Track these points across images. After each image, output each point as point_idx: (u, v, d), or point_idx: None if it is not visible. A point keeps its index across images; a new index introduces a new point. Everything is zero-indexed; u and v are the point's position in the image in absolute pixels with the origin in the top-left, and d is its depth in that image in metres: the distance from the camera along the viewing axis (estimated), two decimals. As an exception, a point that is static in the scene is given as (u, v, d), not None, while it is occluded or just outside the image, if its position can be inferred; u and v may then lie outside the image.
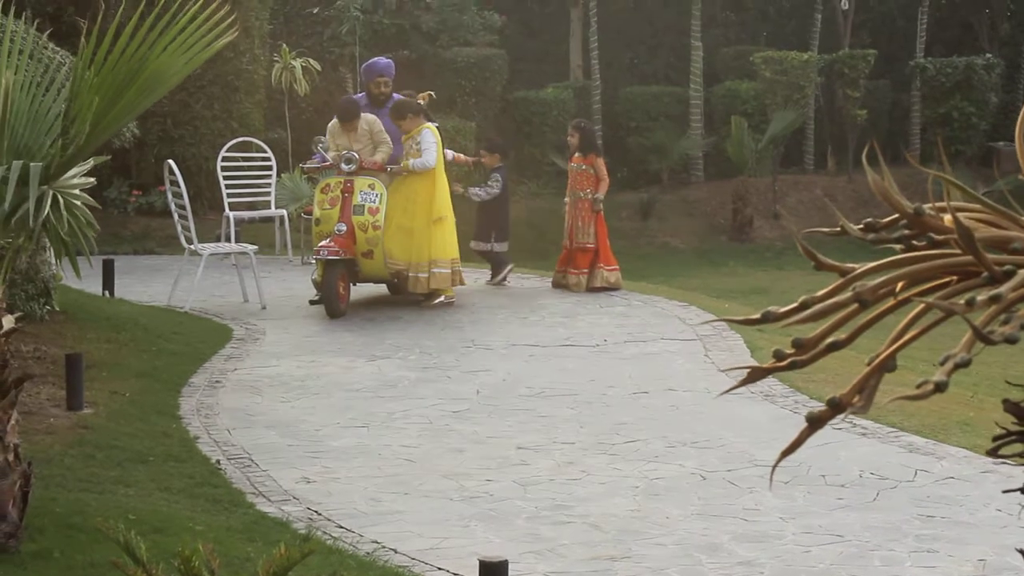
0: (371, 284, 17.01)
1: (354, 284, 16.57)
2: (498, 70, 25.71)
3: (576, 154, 18.48)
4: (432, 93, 18.53)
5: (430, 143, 16.81)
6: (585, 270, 18.02)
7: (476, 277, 18.90)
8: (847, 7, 27.99)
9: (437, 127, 17.40)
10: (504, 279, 18.52)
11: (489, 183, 18.24)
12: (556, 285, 18.53)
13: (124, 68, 8.17)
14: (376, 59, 18.64)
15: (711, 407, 12.00)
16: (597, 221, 18.17)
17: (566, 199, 18.66)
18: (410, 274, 16.63)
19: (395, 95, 17.42)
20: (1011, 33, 28.34)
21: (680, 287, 18.10)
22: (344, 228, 16.25)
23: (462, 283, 17.80)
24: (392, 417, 12.11)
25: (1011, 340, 3.41)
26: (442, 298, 17.25)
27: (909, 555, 8.94)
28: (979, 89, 27.74)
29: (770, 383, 11.96)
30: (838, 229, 4.02)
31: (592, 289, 17.92)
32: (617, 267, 18.25)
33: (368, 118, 16.76)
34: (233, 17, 8.52)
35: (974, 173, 24.44)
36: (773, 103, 26.51)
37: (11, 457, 8.21)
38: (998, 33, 27.97)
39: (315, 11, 25.39)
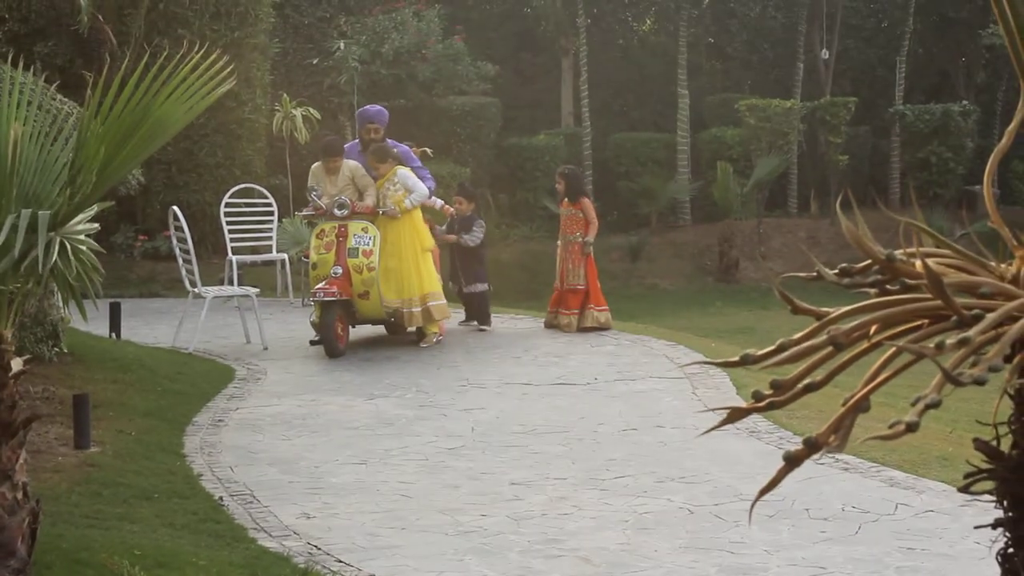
0: (369, 325, 17.00)
1: (352, 326, 16.58)
2: (492, 118, 25.77)
3: (564, 200, 18.52)
4: (428, 150, 18.56)
5: (413, 178, 16.92)
6: (576, 311, 18.02)
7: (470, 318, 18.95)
8: (827, 56, 28.08)
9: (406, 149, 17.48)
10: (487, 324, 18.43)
11: (475, 229, 18.17)
12: (548, 325, 18.50)
13: (128, 117, 8.20)
14: (367, 107, 18.65)
15: (698, 443, 11.99)
16: (587, 263, 18.16)
17: (558, 242, 18.64)
18: (404, 310, 16.66)
19: (392, 142, 17.43)
20: (987, 81, 28.43)
21: (668, 327, 18.13)
22: (340, 271, 16.29)
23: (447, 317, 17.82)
24: (390, 454, 12.11)
25: (979, 382, 3.43)
26: (436, 338, 17.35)
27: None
28: (956, 135, 27.83)
29: (755, 420, 11.99)
30: (816, 274, 4.05)
31: (583, 329, 17.90)
32: (607, 307, 18.22)
33: (351, 164, 16.77)
34: (232, 67, 8.57)
35: (951, 216, 24.50)
36: (757, 149, 26.61)
37: (20, 495, 8.21)
38: (974, 81, 28.05)
39: (315, 62, 25.47)
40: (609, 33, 27.09)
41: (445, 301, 17.15)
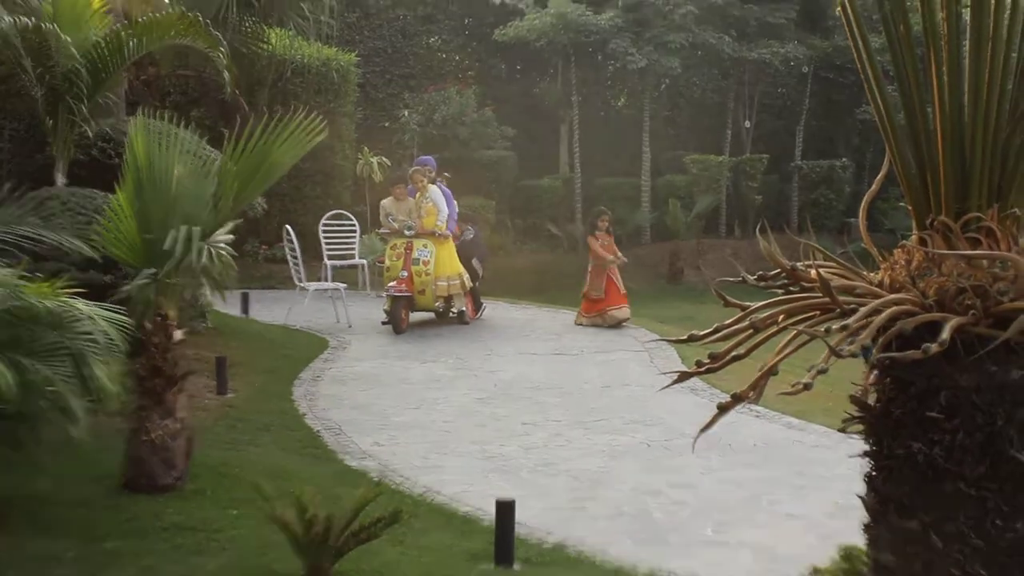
0: (424, 313, 16.98)
1: (412, 312, 16.58)
2: (510, 166, 25.71)
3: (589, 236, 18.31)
4: (447, 174, 18.46)
5: (440, 199, 16.86)
6: (595, 313, 17.65)
7: (494, 305, 18.93)
8: (748, 125, 27.99)
9: (442, 187, 17.45)
10: (472, 310, 18.02)
11: (465, 234, 17.74)
12: (578, 323, 17.86)
13: (253, 161, 8.24)
14: (422, 156, 18.76)
15: (654, 397, 12.04)
16: (607, 279, 17.78)
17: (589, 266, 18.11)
18: (442, 283, 16.69)
19: (441, 185, 17.44)
20: (859, 144, 28.33)
21: (633, 315, 18.06)
22: (406, 274, 16.29)
23: (475, 306, 17.86)
24: (436, 402, 12.13)
25: (856, 355, 3.46)
26: (463, 310, 17.36)
27: (787, 498, 8.97)
28: (838, 183, 27.73)
29: (695, 381, 11.97)
30: (740, 279, 4.08)
31: (608, 326, 17.44)
32: (624, 304, 17.80)
33: (431, 193, 16.78)
34: (326, 127, 8.60)
35: (834, 240, 24.36)
36: (698, 190, 26.56)
37: (179, 426, 8.25)
38: (851, 144, 27.95)
39: (386, 124, 25.45)
40: (594, 107, 27.02)
41: (463, 282, 17.06)
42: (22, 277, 7.23)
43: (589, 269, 17.94)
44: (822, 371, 3.44)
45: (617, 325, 17.38)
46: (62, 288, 7.30)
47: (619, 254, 18.15)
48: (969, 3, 3.59)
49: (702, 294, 22.91)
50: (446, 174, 18.33)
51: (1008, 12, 3.60)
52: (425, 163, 17.54)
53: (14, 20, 12.26)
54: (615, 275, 17.77)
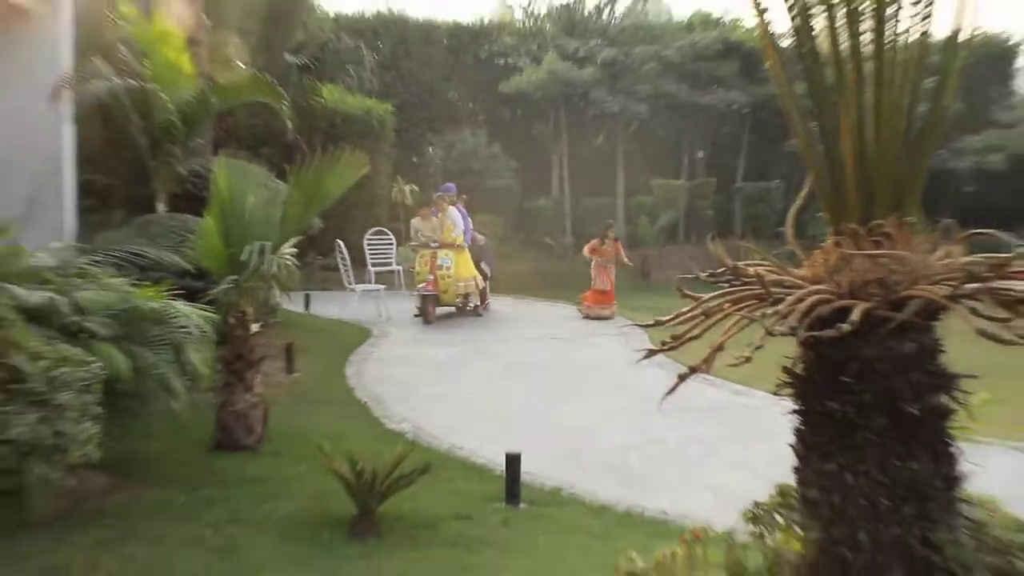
0: (447, 307, 17.00)
1: (437, 307, 16.61)
2: (514, 191, 25.67)
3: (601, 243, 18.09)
4: (465, 196, 18.44)
5: (457, 218, 16.87)
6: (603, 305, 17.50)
7: (502, 300, 18.96)
8: (701, 155, 27.97)
9: (461, 208, 17.46)
10: (487, 306, 17.93)
11: (478, 238, 17.67)
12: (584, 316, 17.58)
13: (310, 190, 8.26)
14: (445, 184, 18.76)
15: (629, 370, 12.05)
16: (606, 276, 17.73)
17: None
18: (463, 285, 16.67)
19: (461, 208, 17.48)
20: (787, 170, 28.16)
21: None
22: (432, 277, 16.33)
23: (487, 301, 17.78)
24: (459, 378, 12.16)
25: (787, 334, 3.48)
26: (478, 305, 17.39)
27: (735, 449, 9.01)
28: (771, 200, 27.43)
29: (660, 358, 11.97)
30: (695, 276, 4.10)
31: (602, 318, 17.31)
32: (596, 300, 17.65)
33: (452, 215, 16.84)
34: (366, 160, 8.62)
35: (769, 246, 24.34)
36: (661, 207, 26.55)
37: (257, 399, 8.30)
38: (781, 170, 27.79)
39: (415, 160, 25.47)
40: (578, 143, 26.97)
41: (477, 283, 17.06)
42: (132, 284, 7.29)
43: (592, 267, 17.91)
44: (759, 347, 3.47)
45: (609, 316, 17.33)
46: (164, 292, 7.36)
47: (624, 258, 18.08)
48: (873, 56, 3.62)
49: (665, 289, 22.92)
50: (464, 196, 18.34)
51: (900, 65, 3.63)
52: (448, 190, 17.60)
53: (125, 83, 12.42)
54: (609, 275, 17.76)
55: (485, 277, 17.70)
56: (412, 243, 17.43)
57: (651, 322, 4.08)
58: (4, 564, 5.66)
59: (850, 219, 3.71)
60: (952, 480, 3.64)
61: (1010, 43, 30.24)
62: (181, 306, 7.27)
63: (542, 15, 28.09)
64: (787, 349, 3.79)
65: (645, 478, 8.19)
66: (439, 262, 16.49)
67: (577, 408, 10.65)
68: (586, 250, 18.20)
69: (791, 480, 3.97)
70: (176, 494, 6.96)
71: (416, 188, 22.98)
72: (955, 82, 3.70)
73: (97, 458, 4.25)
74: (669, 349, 3.91)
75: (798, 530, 4.02)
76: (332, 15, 23.18)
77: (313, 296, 17.77)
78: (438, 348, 14.25)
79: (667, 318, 3.93)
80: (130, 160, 15.18)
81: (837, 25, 3.63)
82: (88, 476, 6.84)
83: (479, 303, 17.43)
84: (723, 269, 3.92)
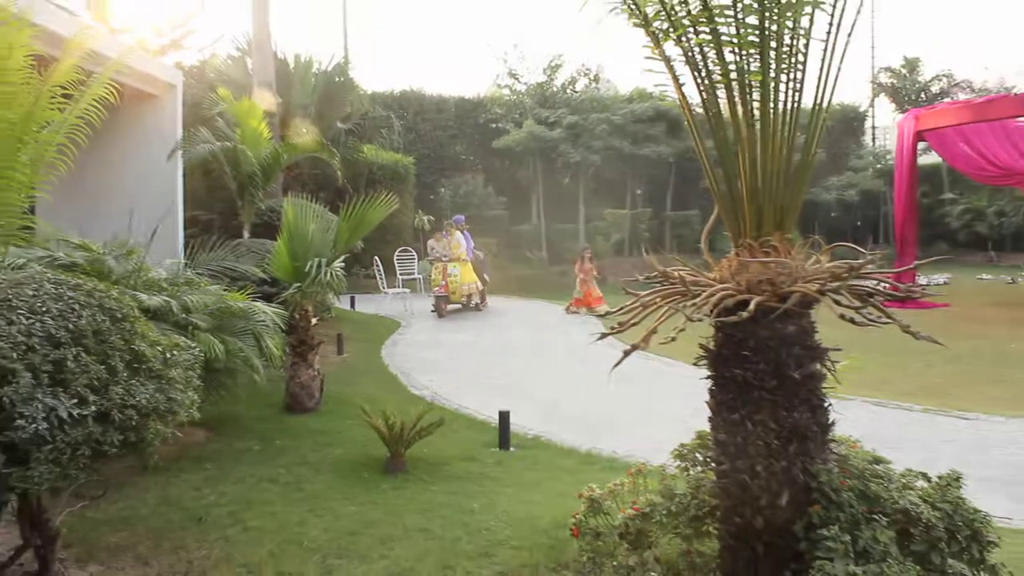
0: (455, 305, 16.94)
1: (448, 304, 16.55)
2: (504, 220, 25.65)
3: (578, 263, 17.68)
4: (467, 226, 18.30)
5: (461, 239, 16.78)
6: (584, 307, 17.04)
7: (497, 299, 18.89)
8: (639, 192, 27.90)
9: (465, 232, 17.37)
10: (485, 303, 17.54)
11: (477, 252, 17.62)
12: (569, 312, 16.86)
13: (355, 220, 8.22)
14: (455, 216, 18.72)
15: (588, 349, 11.95)
16: (587, 289, 17.02)
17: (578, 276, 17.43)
18: (467, 291, 16.63)
19: (467, 234, 17.48)
20: (703, 203, 28.02)
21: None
22: (444, 283, 16.28)
23: (485, 300, 17.57)
24: (464, 356, 12.09)
25: (701, 320, 3.47)
26: (479, 303, 17.21)
27: (667, 406, 8.97)
28: (691, 225, 26.66)
29: (611, 339, 11.97)
30: (635, 279, 4.09)
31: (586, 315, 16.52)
32: (592, 303, 16.76)
33: (458, 236, 16.80)
34: (396, 198, 8.61)
35: (689, 258, 24.38)
36: (613, 230, 26.51)
37: (316, 373, 8.25)
38: (699, 202, 27.72)
39: (432, 197, 25.39)
40: (551, 183, 26.91)
41: (477, 286, 16.99)
42: (225, 289, 7.25)
43: (579, 280, 17.39)
44: (682, 330, 3.47)
45: (591, 313, 16.94)
46: (247, 296, 7.32)
47: (594, 274, 17.36)
48: (761, 119, 3.62)
49: (617, 290, 22.91)
50: (467, 226, 18.31)
51: (780, 126, 3.64)
52: (458, 220, 17.62)
53: (221, 145, 12.63)
54: (593, 286, 17.33)
55: (484, 283, 17.67)
56: (429, 257, 17.37)
57: (601, 314, 4.08)
58: (133, 496, 5.62)
59: (746, 236, 3.71)
60: (825, 426, 3.64)
61: (860, 110, 31.37)
62: (260, 306, 7.24)
63: (523, 92, 28.01)
64: (703, 332, 3.78)
65: (601, 428, 8.16)
66: (449, 271, 16.42)
67: (551, 377, 10.60)
68: (576, 268, 17.79)
69: (706, 427, 3.97)
70: (257, 444, 6.92)
71: (432, 218, 22.90)
72: (819, 137, 3.71)
73: (198, 418, 4.22)
74: (617, 332, 3.90)
75: (712, 464, 4.02)
76: (369, 92, 23.06)
77: (357, 298, 17.70)
78: (449, 335, 14.15)
79: (615, 309, 3.92)
80: (224, 200, 15.21)
81: (734, 96, 3.63)
82: (191, 431, 6.81)
83: (480, 302, 17.38)
84: (655, 274, 3.92)
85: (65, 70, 5.86)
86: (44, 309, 3.71)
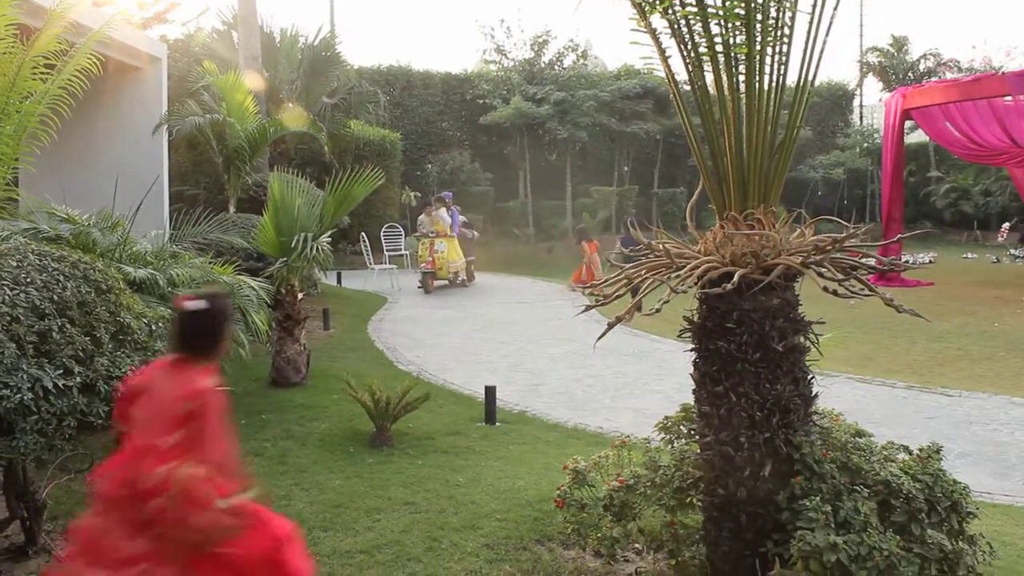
0: (442, 281, 16.93)
1: (434, 280, 16.54)
2: (491, 196, 25.53)
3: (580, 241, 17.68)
4: (455, 203, 18.25)
5: (444, 215, 16.63)
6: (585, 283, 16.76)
7: (483, 275, 18.89)
8: (627, 169, 27.83)
9: (452, 209, 17.25)
10: (471, 279, 17.54)
11: (464, 230, 17.35)
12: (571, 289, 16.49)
13: (341, 195, 8.17)
14: (442, 192, 18.68)
15: (574, 323, 12.03)
16: (587, 267, 16.94)
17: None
18: (453, 268, 16.63)
19: (455, 209, 17.43)
20: (689, 178, 28.03)
21: (562, 279, 18.08)
22: (431, 258, 16.27)
23: (472, 277, 17.59)
24: (451, 332, 12.08)
25: (684, 292, 3.49)
26: (465, 279, 17.20)
27: (652, 380, 9.03)
28: (677, 201, 26.64)
29: (594, 313, 12.02)
30: (621, 252, 4.10)
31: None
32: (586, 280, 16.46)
33: (441, 213, 16.74)
34: (383, 173, 8.56)
35: (677, 233, 24.42)
36: (600, 207, 26.45)
37: (302, 348, 8.24)
38: (685, 178, 27.68)
39: (418, 173, 25.24)
40: (538, 159, 26.82)
41: (464, 263, 16.96)
42: (210, 264, 7.23)
43: (584, 262, 17.19)
44: (667, 301, 3.48)
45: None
46: (233, 269, 7.30)
47: (593, 253, 17.16)
48: (746, 95, 3.62)
49: (604, 264, 23.00)
50: (453, 202, 18.27)
51: (765, 102, 3.64)
52: (445, 196, 17.55)
53: (207, 118, 12.58)
54: (595, 264, 17.19)
55: (470, 261, 17.65)
56: (416, 234, 17.32)
57: (588, 286, 4.08)
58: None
59: (731, 210, 3.73)
60: (808, 398, 3.68)
61: (848, 89, 31.31)
62: (246, 279, 7.22)
63: (510, 68, 27.84)
64: (687, 305, 3.79)
65: (586, 403, 8.20)
66: (436, 248, 16.38)
67: (537, 352, 10.62)
68: (587, 249, 17.35)
69: (691, 400, 3.99)
70: (242, 417, 6.91)
71: (418, 194, 22.79)
72: (805, 108, 3.72)
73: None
74: (601, 305, 3.90)
75: (696, 436, 4.05)
76: (356, 67, 22.87)
77: (344, 273, 17.65)
78: (436, 311, 14.14)
79: (600, 282, 3.93)
80: (209, 175, 15.13)
81: (720, 69, 3.63)
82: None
83: (466, 278, 17.37)
84: (641, 246, 3.93)
85: (47, 40, 5.79)
86: (28, 280, 3.70)
